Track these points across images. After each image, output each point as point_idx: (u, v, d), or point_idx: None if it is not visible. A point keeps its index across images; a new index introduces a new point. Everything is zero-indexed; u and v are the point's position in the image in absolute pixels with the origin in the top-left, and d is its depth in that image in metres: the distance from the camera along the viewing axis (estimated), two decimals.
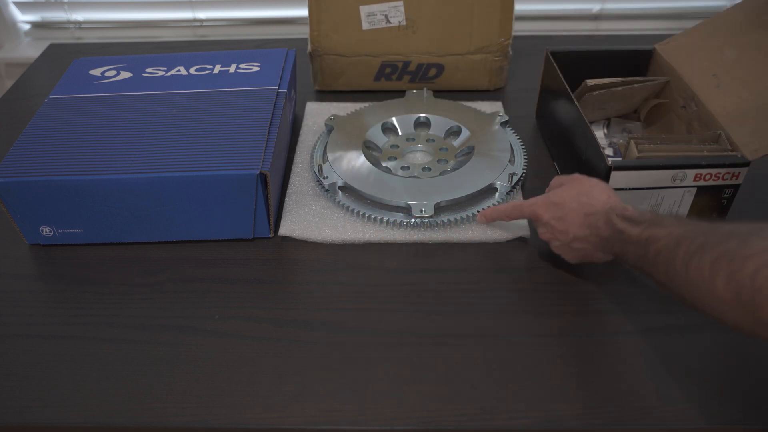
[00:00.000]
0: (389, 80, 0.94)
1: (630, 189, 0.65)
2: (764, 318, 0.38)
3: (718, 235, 0.43)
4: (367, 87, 0.95)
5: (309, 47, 0.92)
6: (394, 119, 0.85)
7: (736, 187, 0.65)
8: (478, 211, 0.71)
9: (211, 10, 1.34)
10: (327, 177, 0.75)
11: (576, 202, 0.59)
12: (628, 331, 0.59)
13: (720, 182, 0.65)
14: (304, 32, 0.99)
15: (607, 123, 0.85)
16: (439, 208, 0.71)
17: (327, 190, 0.74)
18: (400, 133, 0.85)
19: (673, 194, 0.66)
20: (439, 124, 0.84)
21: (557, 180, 0.65)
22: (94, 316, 0.62)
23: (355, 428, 0.53)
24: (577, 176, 0.63)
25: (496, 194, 0.73)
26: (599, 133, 0.83)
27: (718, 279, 0.41)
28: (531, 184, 0.77)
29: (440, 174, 0.75)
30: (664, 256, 0.47)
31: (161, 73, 0.82)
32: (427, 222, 0.70)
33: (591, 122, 0.82)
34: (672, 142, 0.69)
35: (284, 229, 0.70)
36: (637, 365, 0.56)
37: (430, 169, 0.77)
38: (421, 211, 0.69)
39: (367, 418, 0.53)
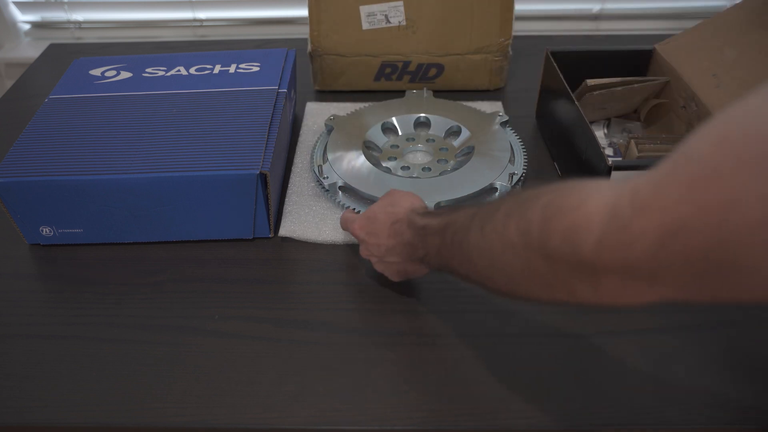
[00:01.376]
0: (389, 80, 0.94)
1: None
2: (551, 250, 0.37)
3: (510, 197, 0.43)
4: (367, 87, 0.95)
5: (309, 47, 0.92)
6: (394, 119, 0.85)
7: None
8: None
9: (211, 10, 1.34)
10: (327, 177, 0.75)
11: (384, 213, 0.58)
12: (628, 331, 0.59)
13: None
14: (304, 32, 0.99)
15: (607, 123, 0.85)
16: (439, 208, 0.71)
17: (327, 190, 0.74)
18: (400, 133, 0.85)
19: None
20: (439, 124, 0.84)
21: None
22: (94, 316, 0.62)
23: (355, 428, 0.53)
24: (391, 190, 0.62)
25: (496, 194, 0.73)
26: (599, 133, 0.83)
27: (510, 225, 0.40)
28: (531, 185, 0.77)
29: (440, 174, 0.75)
30: (459, 234, 0.46)
31: (161, 73, 0.82)
32: None
33: (591, 122, 0.82)
34: (672, 142, 0.69)
35: (284, 230, 0.70)
36: (637, 365, 0.56)
37: (430, 169, 0.77)
38: None
39: (367, 418, 0.53)
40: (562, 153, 0.79)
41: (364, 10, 0.89)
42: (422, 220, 0.53)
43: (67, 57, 1.04)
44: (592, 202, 0.35)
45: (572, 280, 0.37)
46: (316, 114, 0.90)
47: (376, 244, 0.58)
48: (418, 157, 0.82)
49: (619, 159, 0.72)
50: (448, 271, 0.51)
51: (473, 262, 0.45)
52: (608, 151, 0.80)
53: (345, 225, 0.65)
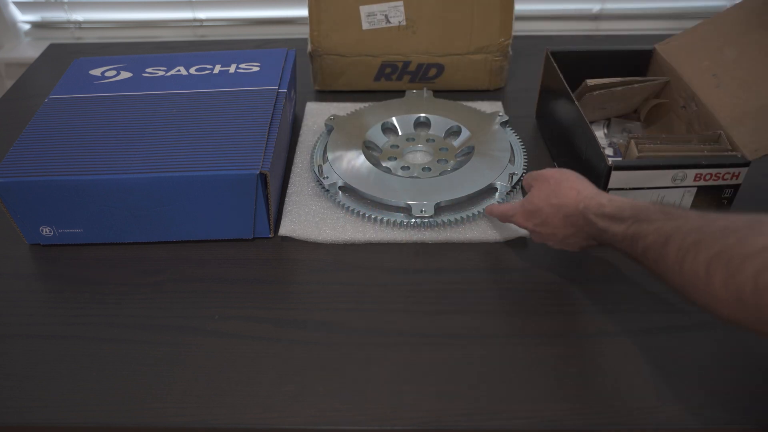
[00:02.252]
0: (389, 80, 0.94)
1: (630, 189, 0.65)
2: (760, 314, 0.37)
3: (712, 231, 0.41)
4: (367, 87, 0.95)
5: (309, 47, 0.92)
6: (394, 119, 0.85)
7: (736, 187, 0.65)
8: (478, 212, 0.71)
9: (211, 10, 1.34)
10: (327, 177, 0.75)
11: (548, 205, 0.58)
12: (628, 331, 0.59)
13: (720, 182, 0.65)
14: (304, 32, 0.99)
15: (607, 123, 0.85)
16: (439, 208, 0.71)
17: (327, 190, 0.74)
18: (400, 133, 0.85)
19: (673, 194, 0.66)
20: (439, 124, 0.84)
21: (527, 181, 0.64)
22: (94, 316, 0.62)
23: (355, 428, 0.53)
24: (544, 174, 0.61)
25: (496, 194, 0.73)
26: (599, 133, 0.83)
27: (715, 280, 0.39)
28: None
29: (440, 174, 0.75)
30: (653, 254, 0.46)
31: (161, 73, 0.82)
32: (427, 222, 0.70)
33: (591, 122, 0.82)
34: (672, 142, 0.69)
35: (284, 229, 0.70)
36: (637, 365, 0.56)
37: (430, 169, 0.77)
38: (422, 212, 0.69)
39: (367, 418, 0.53)
40: (562, 153, 0.79)
41: (364, 10, 0.89)
42: (602, 222, 0.52)
43: (67, 57, 1.04)
44: None
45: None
46: (316, 114, 0.90)
47: (552, 233, 0.58)
48: (418, 157, 0.82)
49: (619, 159, 0.72)
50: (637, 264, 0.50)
51: (672, 284, 0.45)
52: (608, 151, 0.80)
53: (505, 219, 0.65)
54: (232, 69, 0.82)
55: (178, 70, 0.83)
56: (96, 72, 0.83)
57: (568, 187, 0.57)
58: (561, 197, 0.57)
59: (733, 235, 0.39)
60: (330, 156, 0.77)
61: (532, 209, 0.59)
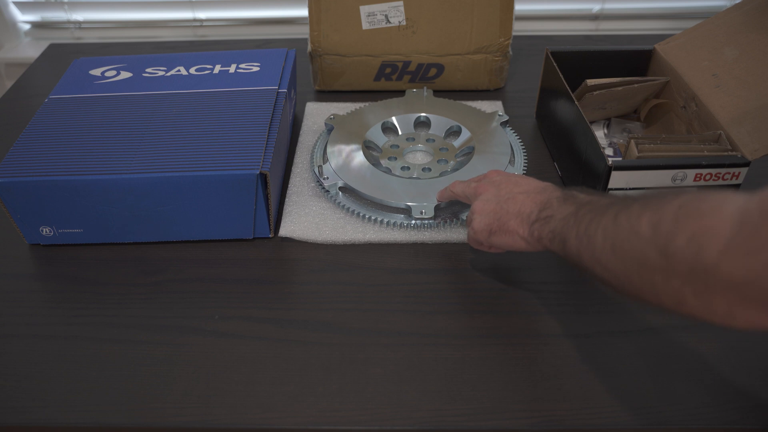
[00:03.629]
0: (389, 80, 0.94)
1: (630, 189, 0.65)
2: (675, 248, 0.37)
3: (653, 193, 0.43)
4: (367, 87, 0.95)
5: (309, 47, 0.92)
6: (394, 119, 0.85)
7: (736, 187, 0.65)
8: None
9: (211, 10, 1.34)
10: (327, 177, 0.75)
11: (510, 183, 0.60)
12: (628, 331, 0.59)
13: (720, 182, 0.65)
14: (304, 32, 0.99)
15: (607, 123, 0.85)
16: (439, 209, 0.71)
17: (327, 190, 0.74)
18: (400, 133, 0.85)
19: None
20: (439, 123, 0.84)
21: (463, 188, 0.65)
22: (94, 316, 0.62)
23: (355, 428, 0.53)
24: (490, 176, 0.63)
25: None
26: (599, 133, 0.83)
27: (643, 216, 0.40)
28: None
29: (440, 174, 0.75)
30: (594, 212, 0.46)
31: (161, 73, 0.82)
32: (427, 223, 0.70)
33: (591, 122, 0.82)
34: (672, 142, 0.69)
35: (284, 230, 0.70)
36: (637, 365, 0.56)
37: (430, 169, 0.77)
38: (422, 213, 0.69)
39: (367, 418, 0.53)
40: (562, 153, 0.79)
41: (364, 10, 0.89)
42: (577, 191, 0.53)
43: (67, 57, 1.05)
44: (727, 208, 0.35)
45: (684, 289, 0.37)
46: (316, 114, 0.90)
47: (510, 189, 0.58)
48: (418, 157, 0.82)
49: (619, 159, 0.72)
50: (557, 244, 0.50)
51: (595, 242, 0.45)
52: (608, 151, 0.80)
53: (462, 192, 0.65)
54: (232, 69, 0.82)
55: (178, 70, 0.83)
56: (96, 72, 0.83)
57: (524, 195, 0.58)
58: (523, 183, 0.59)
59: (668, 192, 0.41)
60: (330, 156, 0.77)
61: (508, 175, 0.61)
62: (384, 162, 0.79)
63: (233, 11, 1.35)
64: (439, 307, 0.62)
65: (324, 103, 0.93)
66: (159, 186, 0.65)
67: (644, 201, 0.42)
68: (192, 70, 0.82)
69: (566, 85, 0.75)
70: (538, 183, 0.58)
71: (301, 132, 0.86)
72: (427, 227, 0.70)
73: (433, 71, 0.93)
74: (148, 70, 0.83)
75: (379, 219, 0.70)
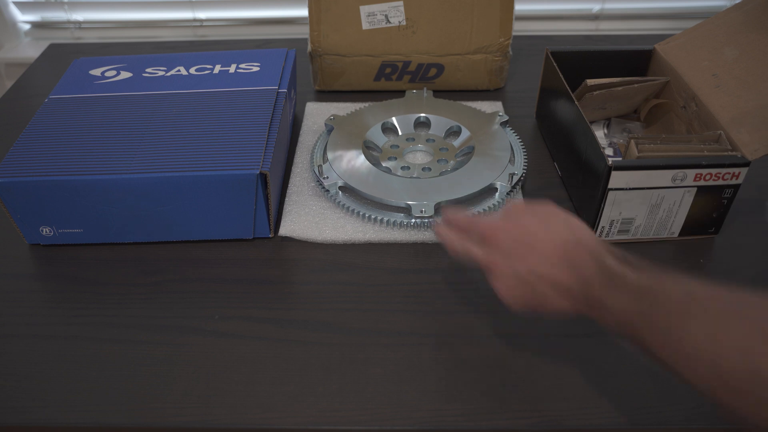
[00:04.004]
0: (389, 80, 0.94)
1: (630, 189, 0.65)
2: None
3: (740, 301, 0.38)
4: (367, 87, 0.95)
5: (309, 47, 0.92)
6: (394, 119, 0.85)
7: (736, 187, 0.65)
8: (478, 212, 0.71)
9: (211, 10, 1.34)
10: (327, 177, 0.75)
11: (545, 231, 0.48)
12: None
13: (720, 182, 0.65)
14: (304, 32, 0.99)
15: (607, 123, 0.85)
16: (439, 209, 0.71)
17: (327, 190, 0.74)
18: (400, 133, 0.85)
19: (673, 194, 0.66)
20: (439, 124, 0.84)
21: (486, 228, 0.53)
22: (94, 316, 0.62)
23: (355, 428, 0.53)
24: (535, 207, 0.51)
25: (496, 194, 0.73)
26: (599, 133, 0.83)
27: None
28: (531, 185, 0.77)
29: (440, 174, 0.75)
30: (674, 319, 0.40)
31: (161, 73, 0.82)
32: (427, 222, 0.70)
33: (591, 122, 0.82)
34: (672, 142, 0.69)
35: (284, 230, 0.70)
36: (637, 365, 0.56)
37: (430, 169, 0.77)
38: (422, 212, 0.69)
39: (367, 418, 0.53)
40: (562, 153, 0.79)
41: (364, 10, 0.89)
42: (617, 266, 0.44)
43: (67, 57, 1.05)
44: None
45: None
46: (316, 114, 0.90)
47: (530, 270, 0.47)
48: (418, 157, 0.82)
49: (619, 159, 0.72)
50: (628, 336, 0.43)
51: (692, 363, 0.40)
52: (608, 151, 0.80)
53: (463, 227, 0.54)
54: (232, 69, 0.82)
55: (178, 70, 0.83)
56: (96, 72, 0.83)
57: (577, 224, 0.48)
58: (572, 227, 0.48)
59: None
60: (330, 156, 0.77)
61: (516, 228, 0.49)
62: (384, 162, 0.79)
63: (233, 11, 1.35)
64: (439, 307, 0.62)
65: (324, 103, 0.93)
66: (159, 186, 0.65)
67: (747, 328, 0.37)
68: (192, 70, 0.82)
69: (566, 85, 0.75)
70: (556, 243, 0.47)
71: (301, 132, 0.87)
72: (427, 227, 0.70)
73: (433, 71, 0.93)
74: (148, 70, 0.83)
75: (379, 218, 0.70)
